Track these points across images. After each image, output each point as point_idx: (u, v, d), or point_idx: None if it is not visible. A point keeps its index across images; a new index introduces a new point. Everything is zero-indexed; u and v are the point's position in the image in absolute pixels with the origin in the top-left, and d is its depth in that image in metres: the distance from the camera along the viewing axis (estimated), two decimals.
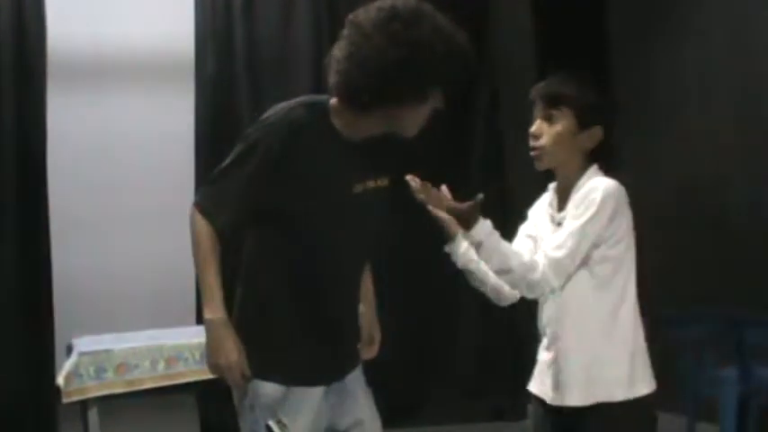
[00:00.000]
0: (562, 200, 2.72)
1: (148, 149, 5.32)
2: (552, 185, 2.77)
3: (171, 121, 5.26)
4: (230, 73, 5.12)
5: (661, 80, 4.66)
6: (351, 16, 2.56)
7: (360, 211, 2.67)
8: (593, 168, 2.73)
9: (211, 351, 2.60)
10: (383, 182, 2.72)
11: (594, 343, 2.68)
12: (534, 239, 2.76)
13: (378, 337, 2.99)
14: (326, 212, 2.61)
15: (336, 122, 2.64)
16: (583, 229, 2.62)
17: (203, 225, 2.58)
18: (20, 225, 4.66)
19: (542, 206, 2.79)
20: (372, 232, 2.80)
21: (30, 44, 4.73)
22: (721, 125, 4.31)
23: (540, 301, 2.72)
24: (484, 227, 2.60)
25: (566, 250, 2.61)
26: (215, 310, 2.58)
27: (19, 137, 4.70)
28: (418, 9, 2.53)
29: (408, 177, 2.60)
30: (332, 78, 2.57)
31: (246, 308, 2.73)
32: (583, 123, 2.70)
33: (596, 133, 2.71)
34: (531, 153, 2.70)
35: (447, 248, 2.75)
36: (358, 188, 2.66)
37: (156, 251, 4.71)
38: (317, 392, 2.70)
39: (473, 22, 5.32)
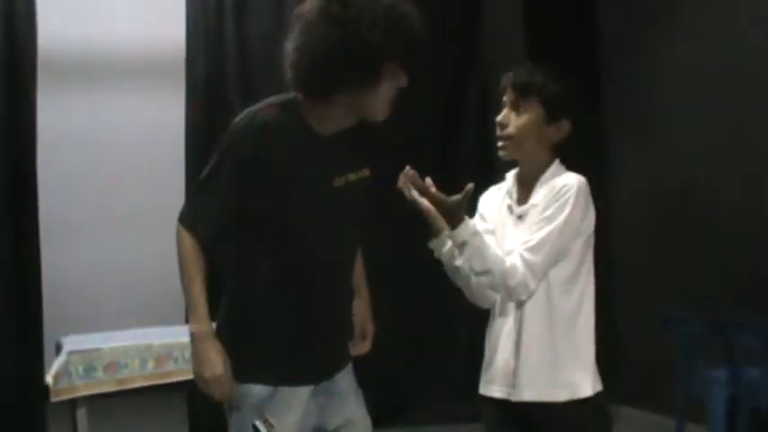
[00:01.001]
0: (523, 192, 2.70)
1: (139, 150, 5.32)
2: (511, 175, 2.73)
3: (162, 121, 5.26)
4: (221, 73, 5.10)
5: (653, 82, 4.67)
6: (297, 8, 2.59)
7: (342, 205, 2.66)
8: (557, 163, 2.71)
9: (196, 363, 2.60)
10: (364, 173, 2.70)
11: (557, 341, 2.67)
12: (493, 233, 2.74)
13: (371, 331, 2.98)
14: (307, 209, 2.61)
15: (307, 118, 2.62)
16: (561, 230, 2.59)
17: (186, 238, 2.61)
18: (9, 224, 4.64)
19: (496, 197, 2.74)
20: (357, 225, 2.79)
21: (20, 44, 4.71)
22: (713, 126, 4.31)
23: (477, 300, 2.71)
24: (468, 226, 2.59)
25: (544, 253, 2.58)
26: (200, 323, 2.59)
27: (9, 137, 4.67)
28: None
29: (405, 171, 2.57)
30: (287, 73, 2.58)
31: (231, 310, 2.73)
32: (551, 115, 2.68)
33: (564, 126, 2.69)
34: (498, 143, 2.67)
35: (431, 245, 2.71)
36: (339, 182, 2.65)
37: (145, 250, 4.70)
38: (304, 392, 2.68)
39: (464, 22, 5.37)
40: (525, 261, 2.56)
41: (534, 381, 2.64)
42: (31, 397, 4.53)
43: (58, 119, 5.03)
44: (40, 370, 4.57)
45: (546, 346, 2.64)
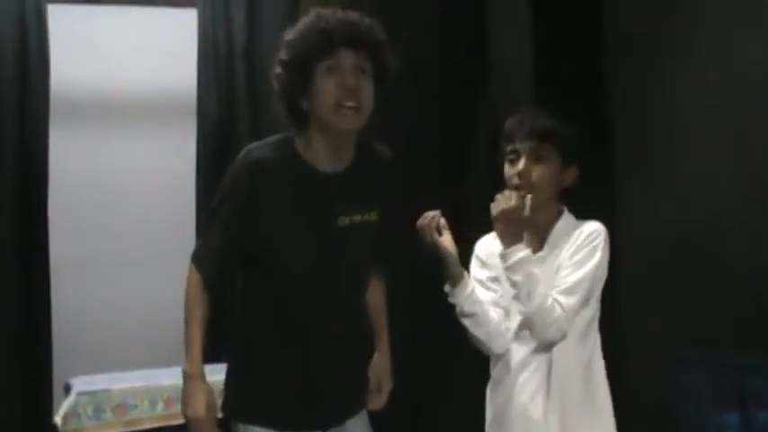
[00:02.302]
0: (535, 241, 2.69)
1: (150, 191, 5.33)
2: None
3: (173, 162, 5.28)
4: (232, 114, 5.14)
5: (658, 119, 4.67)
6: None
7: (347, 246, 2.64)
8: (567, 210, 2.72)
9: (183, 402, 2.63)
10: (371, 216, 2.69)
11: (578, 395, 2.66)
12: (497, 281, 2.74)
13: (387, 387, 2.96)
14: (305, 249, 2.61)
15: (304, 154, 2.62)
16: (592, 274, 2.60)
17: (192, 276, 2.67)
18: (20, 264, 4.66)
19: (496, 245, 2.71)
20: (363, 269, 2.78)
21: (33, 85, 4.76)
22: (719, 165, 4.31)
23: (493, 346, 2.70)
24: (521, 249, 2.59)
25: (577, 297, 2.58)
26: (191, 363, 2.63)
27: (20, 178, 4.71)
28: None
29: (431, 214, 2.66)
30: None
31: (235, 350, 2.75)
32: (566, 162, 2.68)
33: (574, 172, 2.70)
34: (520, 193, 2.65)
35: (448, 289, 2.70)
36: (343, 221, 2.64)
37: (156, 291, 4.70)
38: None
39: (472, 51, 5.39)
40: (560, 303, 2.55)
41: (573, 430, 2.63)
42: None
43: (69, 159, 5.05)
44: (48, 411, 4.56)
45: (578, 396, 2.64)
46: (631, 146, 4.85)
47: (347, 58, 2.54)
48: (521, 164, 2.65)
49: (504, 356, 2.71)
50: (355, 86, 2.54)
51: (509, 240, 2.59)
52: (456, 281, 2.69)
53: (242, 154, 2.66)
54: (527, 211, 2.59)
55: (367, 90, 2.57)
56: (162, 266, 4.94)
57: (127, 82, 5.33)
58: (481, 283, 2.73)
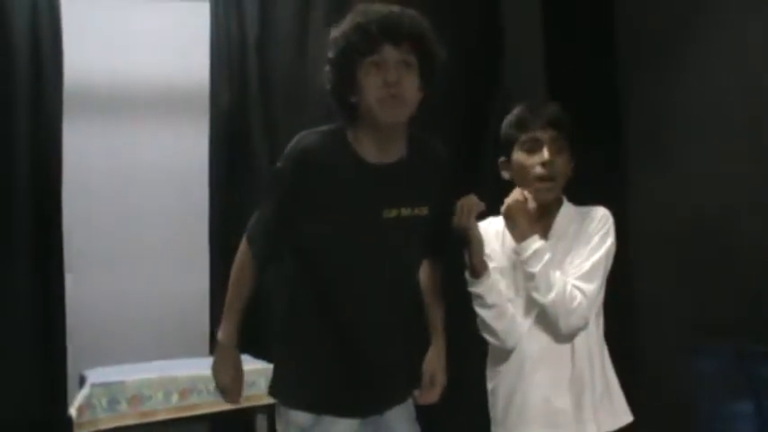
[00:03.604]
0: (539, 231, 2.67)
1: (163, 182, 5.34)
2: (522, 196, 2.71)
3: (185, 153, 5.28)
4: (245, 106, 5.13)
5: (670, 113, 4.66)
6: None
7: (391, 239, 2.64)
8: (565, 198, 2.73)
9: (213, 369, 2.75)
10: (422, 210, 2.69)
11: (603, 371, 2.67)
12: (501, 273, 2.73)
13: (441, 381, 2.95)
14: (350, 239, 2.63)
15: (353, 144, 2.63)
16: (606, 258, 2.61)
17: (242, 251, 2.75)
18: (34, 256, 4.67)
19: (492, 235, 2.73)
20: (409, 261, 2.77)
21: (46, 77, 4.75)
22: (730, 155, 4.30)
23: (508, 339, 2.68)
24: (536, 240, 2.60)
25: (597, 281, 2.60)
26: (224, 334, 2.74)
27: (34, 170, 4.71)
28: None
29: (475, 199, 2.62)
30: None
31: (280, 335, 2.79)
32: (573, 151, 2.70)
33: (573, 161, 2.72)
34: (545, 185, 2.64)
35: (470, 278, 2.67)
36: (390, 214, 2.64)
37: (170, 282, 4.72)
38: (348, 424, 2.70)
39: (485, 54, 5.38)
40: (580, 289, 2.56)
41: (598, 413, 2.63)
42: (55, 430, 4.54)
43: (83, 153, 5.06)
44: (63, 403, 4.58)
45: (601, 381, 2.66)
46: (643, 137, 4.85)
47: (389, 53, 2.56)
48: (545, 153, 2.64)
49: (516, 350, 2.70)
50: (396, 81, 2.56)
51: (521, 233, 2.59)
52: (481, 270, 2.67)
53: (294, 140, 2.69)
54: (531, 204, 2.61)
55: (409, 83, 2.59)
56: (176, 258, 4.96)
57: (140, 74, 5.34)
58: (495, 271, 2.71)
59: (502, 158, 2.77)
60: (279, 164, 2.70)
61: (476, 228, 2.67)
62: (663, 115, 4.70)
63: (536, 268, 2.54)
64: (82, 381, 4.47)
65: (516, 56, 5.33)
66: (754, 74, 4.16)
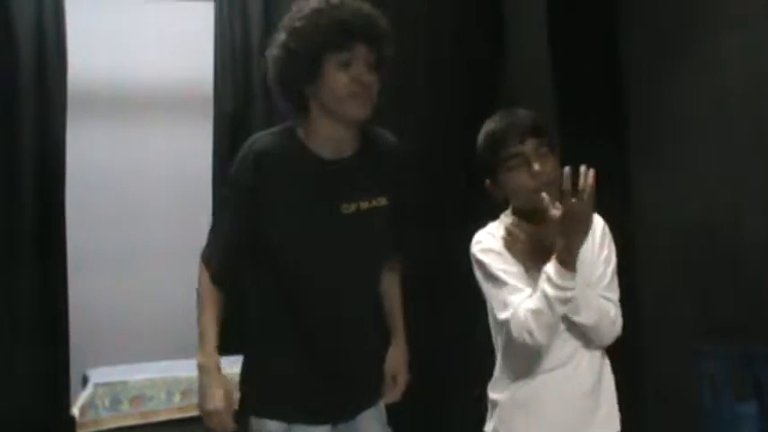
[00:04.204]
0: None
1: (166, 182, 5.34)
2: (509, 218, 2.62)
3: (189, 153, 5.29)
4: (248, 105, 5.13)
5: (674, 113, 4.65)
6: None
7: (353, 233, 2.63)
8: None
9: (200, 396, 2.66)
10: (380, 201, 2.67)
11: (609, 375, 2.67)
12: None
13: (403, 380, 2.94)
14: (311, 237, 2.61)
15: (306, 142, 2.62)
16: (615, 267, 2.61)
17: (202, 273, 2.68)
18: (37, 256, 4.67)
19: (498, 241, 2.61)
20: (373, 255, 2.76)
21: (50, 76, 4.75)
22: (734, 156, 4.29)
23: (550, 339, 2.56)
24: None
25: (617, 289, 2.59)
26: (205, 356, 2.66)
27: (38, 169, 4.71)
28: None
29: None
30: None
31: (248, 342, 2.76)
32: (556, 150, 2.63)
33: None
34: (543, 194, 2.44)
35: (563, 274, 2.42)
36: (349, 208, 2.62)
37: (173, 282, 4.69)
38: (320, 431, 2.68)
39: (487, 58, 5.38)
40: (610, 300, 2.55)
41: (609, 419, 2.62)
42: (58, 429, 4.54)
43: (86, 151, 5.07)
44: (66, 402, 4.58)
45: (609, 382, 2.66)
46: (647, 138, 4.83)
47: (361, 52, 2.55)
48: (535, 166, 2.50)
49: (541, 358, 2.63)
50: (369, 82, 2.55)
51: (575, 249, 2.42)
52: (573, 263, 2.44)
53: (245, 145, 2.68)
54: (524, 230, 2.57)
55: (376, 83, 2.59)
56: (179, 258, 4.92)
57: (144, 74, 5.34)
58: (513, 275, 2.54)
59: (487, 181, 2.62)
60: (232, 172, 2.69)
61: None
62: (667, 116, 4.68)
63: (575, 290, 2.47)
64: (85, 381, 4.48)
65: (521, 54, 5.33)
66: (758, 74, 4.15)
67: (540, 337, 2.43)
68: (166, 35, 5.36)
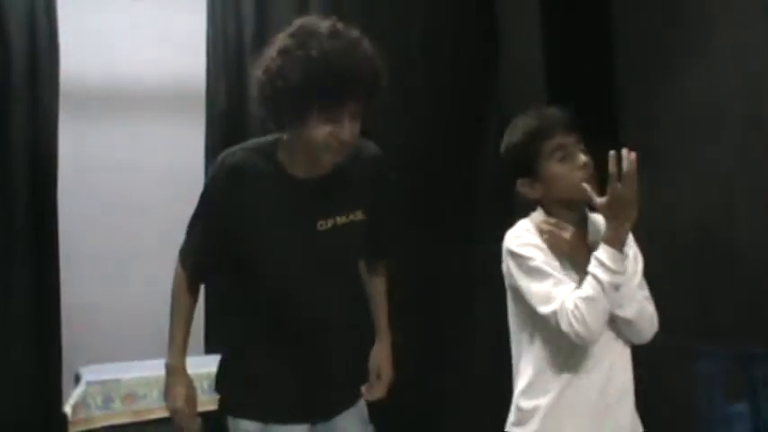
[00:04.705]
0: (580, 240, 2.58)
1: (158, 181, 5.33)
2: (540, 218, 2.60)
3: (181, 152, 5.28)
4: (241, 105, 5.12)
5: (667, 114, 4.65)
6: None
7: (328, 248, 2.62)
8: None
9: (164, 394, 2.75)
10: (357, 215, 2.66)
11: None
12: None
13: (387, 376, 2.95)
14: (285, 253, 2.61)
15: (281, 160, 2.59)
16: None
17: (178, 273, 2.70)
18: (29, 254, 4.65)
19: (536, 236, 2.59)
20: (349, 265, 2.78)
21: (42, 74, 4.74)
22: (730, 157, 4.30)
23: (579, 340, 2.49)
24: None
25: (647, 289, 2.61)
26: (172, 356, 2.75)
27: (30, 167, 4.70)
28: (313, 27, 2.46)
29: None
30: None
31: (226, 344, 2.79)
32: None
33: None
34: (588, 186, 2.49)
35: (617, 258, 2.44)
36: (325, 225, 2.60)
37: (166, 280, 4.68)
38: (297, 430, 2.69)
39: (482, 59, 5.38)
40: (647, 297, 2.57)
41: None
42: (50, 427, 4.53)
43: (79, 150, 5.05)
44: (58, 400, 4.57)
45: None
46: (642, 140, 4.84)
47: (351, 108, 2.46)
48: (581, 156, 2.54)
49: (586, 359, 2.56)
50: (350, 138, 2.49)
51: (624, 233, 2.45)
52: (623, 247, 2.45)
53: (219, 159, 2.67)
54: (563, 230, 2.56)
55: (356, 130, 2.51)
56: (171, 256, 4.93)
57: (136, 72, 5.33)
58: (556, 269, 2.52)
59: (520, 181, 2.62)
60: (206, 184, 2.69)
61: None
62: (661, 116, 4.69)
63: (622, 277, 2.44)
64: (77, 378, 4.47)
65: (514, 57, 5.33)
66: (752, 74, 4.15)
67: (594, 325, 2.40)
68: (159, 32, 5.34)
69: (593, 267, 2.41)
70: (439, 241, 4.88)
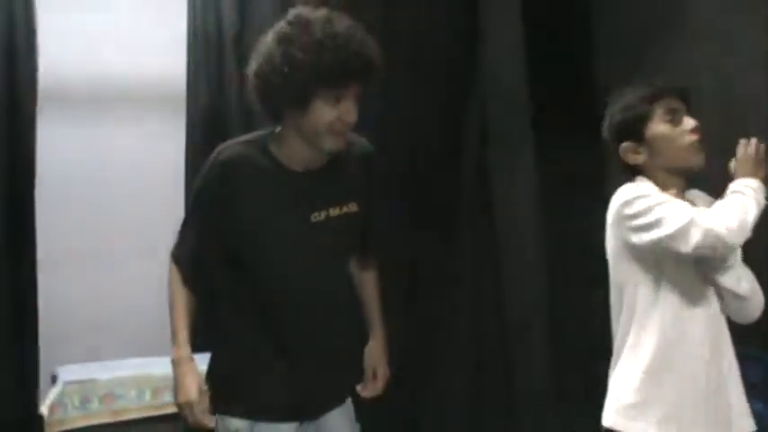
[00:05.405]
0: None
1: (138, 181, 5.30)
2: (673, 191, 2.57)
3: (161, 153, 5.25)
4: (222, 105, 5.10)
5: None
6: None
7: (323, 241, 2.63)
8: None
9: (174, 388, 2.67)
10: (351, 208, 2.68)
11: None
12: None
13: (383, 374, 2.96)
14: (280, 245, 2.63)
15: (276, 153, 2.61)
16: None
17: (173, 270, 2.69)
18: (7, 253, 4.62)
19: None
20: (343, 258, 2.77)
21: (20, 73, 4.70)
22: (708, 164, 4.30)
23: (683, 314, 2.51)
24: None
25: None
26: (178, 350, 2.67)
27: (8, 167, 4.66)
28: (310, 15, 2.54)
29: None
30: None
31: (216, 342, 2.77)
32: None
33: None
34: (699, 148, 2.57)
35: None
36: (318, 216, 2.62)
37: (144, 281, 4.67)
38: (286, 428, 2.69)
39: (464, 53, 5.37)
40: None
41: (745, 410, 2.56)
42: (26, 428, 4.50)
43: (57, 150, 5.01)
44: (34, 401, 4.53)
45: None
46: None
47: (353, 90, 2.54)
48: (691, 121, 2.59)
49: (706, 345, 2.54)
50: (353, 119, 2.56)
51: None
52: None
53: (214, 153, 2.68)
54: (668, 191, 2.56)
55: (356, 112, 2.58)
56: (150, 255, 4.88)
57: (116, 70, 5.29)
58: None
59: (626, 143, 2.63)
60: (199, 179, 2.69)
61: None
62: None
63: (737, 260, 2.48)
64: (54, 379, 4.44)
65: (494, 57, 5.33)
66: (727, 83, 4.17)
67: (738, 228, 2.37)
68: (139, 32, 5.32)
69: (732, 188, 2.46)
70: (421, 240, 4.88)
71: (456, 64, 5.28)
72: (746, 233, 2.37)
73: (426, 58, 5.24)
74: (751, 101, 4.06)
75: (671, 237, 2.38)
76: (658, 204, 2.45)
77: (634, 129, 2.59)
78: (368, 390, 2.96)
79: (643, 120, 2.58)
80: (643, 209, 2.47)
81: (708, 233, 2.33)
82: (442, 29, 5.23)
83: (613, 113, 2.67)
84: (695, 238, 2.34)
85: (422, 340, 5.00)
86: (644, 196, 2.48)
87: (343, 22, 2.52)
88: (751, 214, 2.38)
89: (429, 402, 5.08)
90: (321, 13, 2.54)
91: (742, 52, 4.11)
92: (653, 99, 2.58)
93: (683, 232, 2.37)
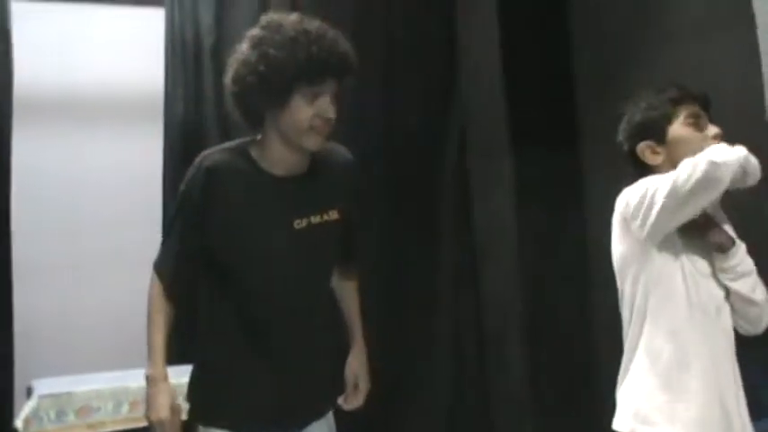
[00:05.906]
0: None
1: (115, 191, 5.28)
2: None
3: (139, 162, 5.23)
4: (199, 114, 5.08)
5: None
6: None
7: (305, 247, 2.64)
8: None
9: (146, 406, 2.66)
10: (331, 215, 2.68)
11: None
12: None
13: (364, 387, 2.96)
14: (262, 253, 2.62)
15: (257, 160, 2.63)
16: None
17: (154, 284, 2.69)
18: None
19: None
20: (324, 266, 2.76)
21: None
22: None
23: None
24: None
25: None
26: (154, 367, 2.66)
27: None
28: (282, 18, 2.60)
29: None
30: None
31: (198, 352, 2.76)
32: None
33: None
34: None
35: (730, 256, 2.48)
36: (300, 224, 2.63)
37: (122, 291, 4.64)
38: None
39: (442, 64, 5.38)
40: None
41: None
42: None
43: (33, 159, 4.98)
44: (9, 414, 4.48)
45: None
46: (602, 143, 4.86)
47: (331, 86, 2.57)
48: (715, 128, 2.59)
49: (718, 355, 2.54)
50: (332, 116, 2.58)
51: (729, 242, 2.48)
52: (729, 244, 2.49)
53: (196, 161, 2.69)
54: None
55: (335, 112, 2.60)
56: (127, 267, 4.88)
57: (93, 81, 5.28)
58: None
59: (646, 142, 2.64)
60: (182, 186, 2.69)
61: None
62: (618, 121, 4.72)
63: (750, 265, 2.48)
64: (29, 392, 4.39)
65: (472, 60, 5.35)
66: (711, 87, 4.19)
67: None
68: (116, 41, 5.30)
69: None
70: (402, 246, 4.88)
71: (434, 69, 5.29)
72: (738, 157, 2.38)
73: (401, 66, 5.26)
74: (733, 99, 4.08)
75: (670, 193, 2.39)
76: (647, 184, 2.49)
77: (656, 128, 2.62)
78: (349, 402, 2.96)
79: (667, 119, 2.60)
80: (639, 195, 2.50)
81: (697, 166, 2.35)
82: (419, 33, 5.24)
83: (633, 113, 2.69)
84: (692, 175, 2.35)
85: (401, 350, 5.00)
86: (634, 191, 2.53)
87: (314, 22, 2.57)
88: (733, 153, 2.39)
89: (408, 414, 5.08)
90: (292, 16, 2.60)
91: (723, 50, 4.12)
92: (678, 102, 2.61)
93: (677, 182, 2.37)
